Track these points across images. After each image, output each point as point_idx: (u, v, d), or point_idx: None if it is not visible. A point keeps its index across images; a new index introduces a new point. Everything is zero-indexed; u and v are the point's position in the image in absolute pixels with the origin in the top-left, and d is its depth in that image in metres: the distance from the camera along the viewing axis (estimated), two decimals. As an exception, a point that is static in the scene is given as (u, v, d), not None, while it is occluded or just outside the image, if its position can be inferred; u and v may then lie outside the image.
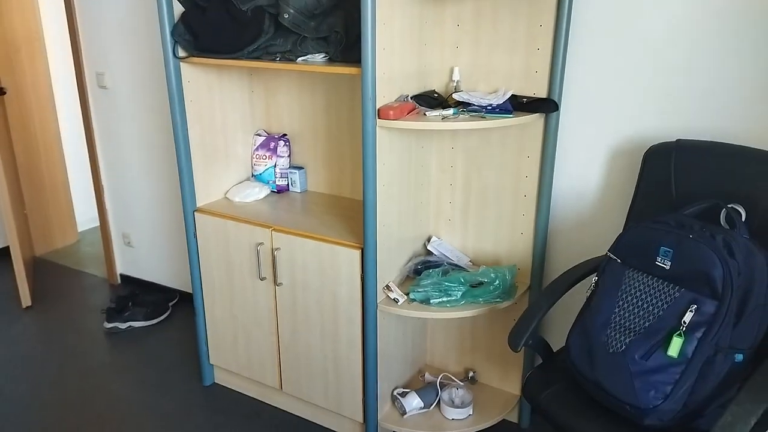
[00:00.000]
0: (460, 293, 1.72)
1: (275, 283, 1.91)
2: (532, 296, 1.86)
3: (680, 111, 1.56)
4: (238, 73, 2.11)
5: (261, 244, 1.89)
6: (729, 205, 1.34)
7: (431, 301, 1.73)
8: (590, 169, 1.75)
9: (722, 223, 1.36)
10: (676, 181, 1.46)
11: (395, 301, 1.76)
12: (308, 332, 1.92)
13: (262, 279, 1.94)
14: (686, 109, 1.55)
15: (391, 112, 1.56)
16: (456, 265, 1.90)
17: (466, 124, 1.57)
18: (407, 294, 1.78)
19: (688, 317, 1.23)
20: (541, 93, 1.69)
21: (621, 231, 1.57)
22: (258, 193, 2.13)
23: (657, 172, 1.50)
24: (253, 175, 2.24)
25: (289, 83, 2.11)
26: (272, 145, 2.16)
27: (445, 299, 1.72)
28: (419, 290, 1.75)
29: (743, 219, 1.32)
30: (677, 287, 1.27)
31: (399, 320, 1.91)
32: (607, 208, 1.75)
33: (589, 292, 1.46)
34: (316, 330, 1.90)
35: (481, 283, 1.76)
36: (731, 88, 1.48)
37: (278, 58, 1.72)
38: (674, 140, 1.50)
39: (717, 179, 1.39)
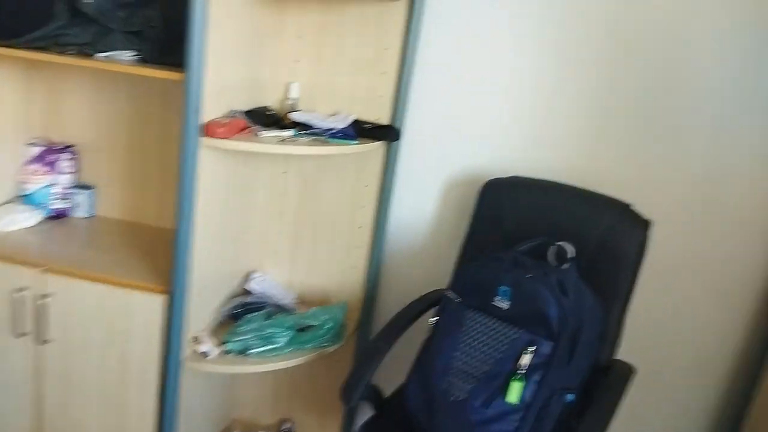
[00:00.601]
0: (286, 340, 1.50)
1: (40, 340, 1.45)
2: (362, 336, 1.73)
3: (517, 148, 1.60)
4: (13, 65, 1.66)
5: (22, 290, 1.42)
6: (559, 243, 1.36)
7: (250, 351, 1.46)
8: (427, 200, 1.70)
9: (551, 260, 1.37)
10: (509, 216, 1.46)
11: (205, 355, 1.44)
12: (84, 405, 1.48)
13: (19, 336, 1.46)
14: (523, 147, 1.59)
15: (220, 130, 1.31)
16: (281, 306, 1.68)
17: (307, 149, 1.40)
18: (223, 344, 1.48)
19: (526, 360, 1.19)
20: (384, 118, 1.60)
21: (455, 265, 1.54)
22: (25, 219, 1.62)
23: (491, 206, 1.49)
24: (21, 196, 1.71)
25: (83, 84, 1.69)
26: (51, 158, 1.68)
27: (267, 348, 1.48)
28: (237, 339, 1.47)
29: (572, 257, 1.34)
30: (516, 328, 1.23)
31: (207, 377, 1.61)
32: (443, 242, 1.71)
33: (428, 333, 1.37)
34: (94, 401, 1.47)
35: (309, 327, 1.57)
36: (563, 127, 1.55)
37: (72, 51, 1.37)
38: (509, 176, 1.51)
39: (548, 216, 1.41)
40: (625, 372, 1.27)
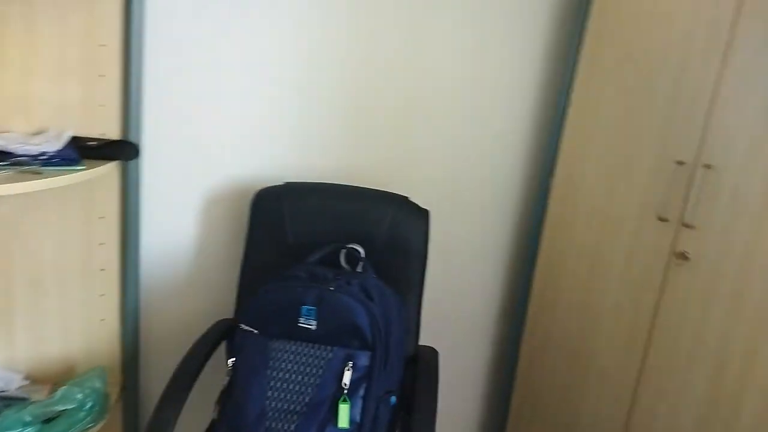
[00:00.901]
0: (29, 439, 1.11)
1: None
2: (129, 404, 1.41)
3: (284, 153, 1.47)
4: None
5: None
6: (348, 246, 1.31)
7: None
8: (186, 222, 1.45)
9: (343, 264, 1.31)
10: (291, 226, 1.34)
11: None
12: None
13: None
14: (290, 151, 1.47)
15: None
16: (5, 397, 1.24)
17: (13, 186, 1.02)
18: None
19: (347, 377, 1.11)
20: (113, 133, 1.29)
21: (237, 290, 1.36)
22: None
23: (269, 219, 1.34)
24: None
25: None
26: None
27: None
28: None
29: (364, 257, 1.30)
30: (328, 347, 1.13)
31: None
32: (214, 265, 1.49)
33: (227, 379, 1.17)
34: None
35: (61, 413, 1.19)
36: (326, 128, 1.48)
37: None
38: (282, 183, 1.38)
39: (332, 220, 1.34)
40: (432, 357, 1.30)
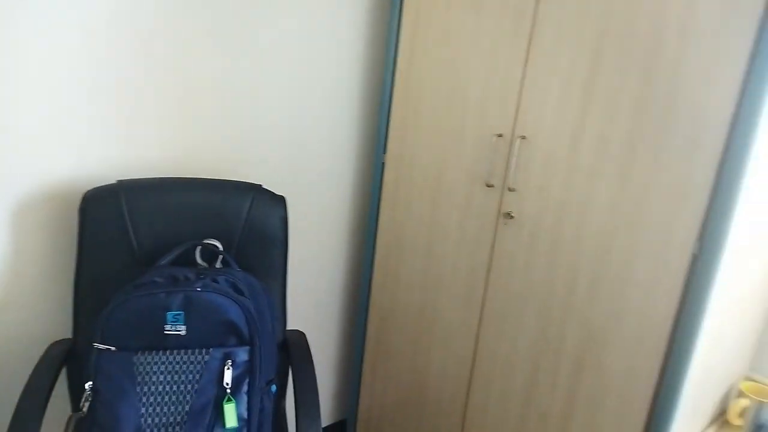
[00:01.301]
0: None
1: None
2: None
3: (108, 150, 1.30)
4: None
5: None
6: (204, 242, 1.24)
7: None
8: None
9: (200, 262, 1.25)
10: (135, 228, 1.22)
11: None
12: None
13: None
14: (113, 147, 1.31)
15: None
16: None
17: None
18: None
19: (228, 376, 1.08)
20: None
21: (73, 307, 1.21)
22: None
23: (105, 222, 1.21)
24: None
25: None
26: None
27: None
28: None
29: (221, 252, 1.25)
30: (203, 350, 1.09)
31: None
32: (36, 284, 1.29)
33: (85, 405, 1.04)
34: None
35: None
36: (152, 121, 1.35)
37: None
38: (114, 182, 1.24)
39: (181, 217, 1.26)
40: (302, 341, 1.32)
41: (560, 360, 1.31)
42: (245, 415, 1.08)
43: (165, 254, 1.20)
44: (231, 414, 1.06)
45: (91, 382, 1.05)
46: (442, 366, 1.59)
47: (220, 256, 1.25)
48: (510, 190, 1.36)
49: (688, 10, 1.05)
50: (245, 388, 1.10)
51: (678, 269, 1.10)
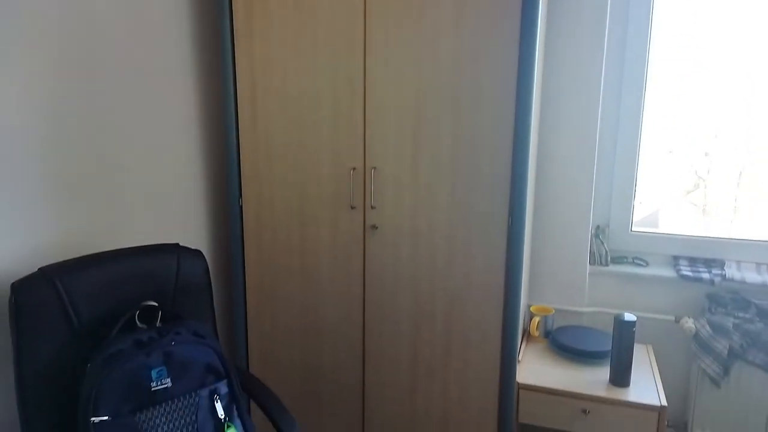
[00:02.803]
0: None
1: None
2: None
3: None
4: None
5: None
6: (144, 303, 1.34)
7: None
8: None
9: (138, 323, 1.34)
10: (75, 309, 1.25)
11: None
12: None
13: None
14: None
15: None
16: None
17: None
18: None
19: (219, 408, 1.24)
20: None
21: (19, 407, 1.19)
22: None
23: (42, 308, 1.21)
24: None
25: None
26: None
27: None
28: None
29: (157, 308, 1.36)
30: (191, 393, 1.22)
31: None
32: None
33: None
34: None
35: None
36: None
37: None
38: (36, 271, 1.24)
39: (113, 289, 1.32)
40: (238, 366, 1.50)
41: (434, 322, 1.78)
42: (245, 430, 1.26)
43: (113, 325, 1.27)
44: (234, 436, 1.23)
45: (95, 457, 1.10)
46: (334, 362, 1.91)
47: (159, 315, 1.36)
48: (372, 207, 1.77)
49: (476, 64, 1.61)
50: (236, 412, 1.27)
51: (501, 240, 1.67)
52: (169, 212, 1.81)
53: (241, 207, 1.93)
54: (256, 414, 1.57)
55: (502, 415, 1.75)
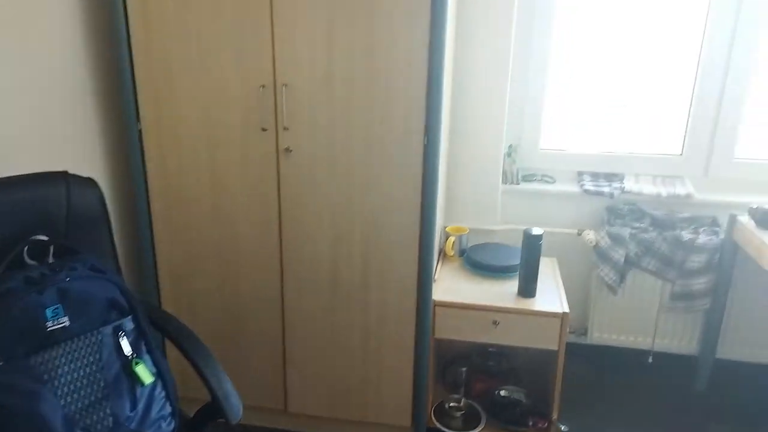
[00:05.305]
0: None
1: None
2: None
3: None
4: None
5: None
6: (31, 239, 1.21)
7: None
8: None
9: (27, 259, 1.22)
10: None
11: None
12: None
13: None
14: None
15: None
16: None
17: None
18: None
19: (125, 345, 1.18)
20: None
21: None
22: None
23: None
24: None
25: None
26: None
27: None
28: None
29: (49, 242, 1.24)
30: (93, 332, 1.15)
31: None
32: None
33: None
34: None
35: None
36: None
37: None
38: None
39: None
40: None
41: (353, 244, 1.77)
42: (155, 369, 1.21)
43: (-4, 262, 1.14)
44: (144, 372, 1.18)
45: (-13, 404, 1.02)
46: (252, 289, 1.88)
47: (51, 250, 1.24)
48: (285, 129, 1.69)
49: (389, -19, 1.52)
50: (144, 348, 1.21)
51: (417, 160, 1.65)
52: (57, 138, 1.62)
53: (140, 132, 1.77)
54: (174, 350, 1.54)
55: (419, 331, 1.81)
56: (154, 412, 1.18)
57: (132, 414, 1.14)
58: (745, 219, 2.01)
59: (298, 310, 1.88)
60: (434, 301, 1.83)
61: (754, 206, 1.97)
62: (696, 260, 2.10)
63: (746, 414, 2.14)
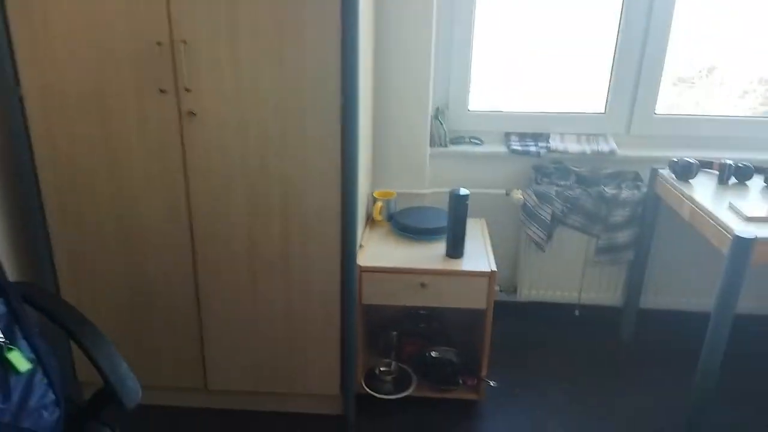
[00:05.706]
0: None
1: None
2: None
3: None
4: None
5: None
6: None
7: None
8: None
9: None
10: None
11: None
12: None
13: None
14: None
15: None
16: None
17: None
18: None
19: (-4, 330, 1.04)
20: None
21: None
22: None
23: None
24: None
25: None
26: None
27: None
28: None
29: None
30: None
31: None
32: None
33: None
34: None
35: None
36: None
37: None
38: None
39: None
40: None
41: (271, 214, 1.66)
42: (33, 355, 1.08)
43: None
44: (18, 360, 1.04)
45: None
46: (161, 268, 1.74)
47: None
48: (187, 90, 1.54)
49: None
50: (20, 333, 1.08)
51: (335, 122, 1.55)
52: None
53: (21, 98, 1.58)
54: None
55: (344, 299, 1.74)
56: (33, 401, 1.05)
57: (5, 406, 1.01)
58: (666, 172, 2.04)
59: (214, 283, 1.76)
60: (360, 266, 1.76)
61: (675, 159, 1.99)
62: (620, 214, 2.12)
63: (670, 360, 2.20)
